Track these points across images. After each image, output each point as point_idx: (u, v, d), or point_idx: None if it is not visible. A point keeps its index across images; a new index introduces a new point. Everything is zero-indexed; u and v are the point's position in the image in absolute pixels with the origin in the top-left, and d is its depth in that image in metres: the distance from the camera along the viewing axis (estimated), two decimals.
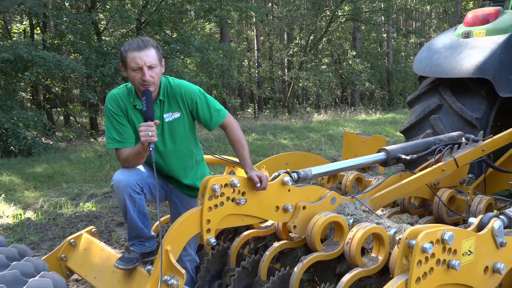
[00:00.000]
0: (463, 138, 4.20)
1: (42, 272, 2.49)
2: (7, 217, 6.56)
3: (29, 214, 6.70)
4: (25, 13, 16.39)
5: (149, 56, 2.90)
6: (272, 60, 29.53)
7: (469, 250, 1.99)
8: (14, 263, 2.54)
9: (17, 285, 2.32)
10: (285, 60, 29.09)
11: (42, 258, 3.20)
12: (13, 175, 9.51)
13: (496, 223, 2.09)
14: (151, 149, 2.81)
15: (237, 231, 3.69)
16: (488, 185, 4.45)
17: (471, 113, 4.72)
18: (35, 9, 13.91)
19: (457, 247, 1.94)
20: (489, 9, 5.08)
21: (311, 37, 27.60)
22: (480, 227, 2.09)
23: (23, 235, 5.81)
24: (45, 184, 8.71)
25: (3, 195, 7.62)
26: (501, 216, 2.18)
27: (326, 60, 29.73)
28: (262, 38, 29.21)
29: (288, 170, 3.16)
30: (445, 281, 1.94)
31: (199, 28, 22.53)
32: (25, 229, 6.04)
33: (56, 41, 16.40)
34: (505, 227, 2.17)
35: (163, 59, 3.10)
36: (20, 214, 6.64)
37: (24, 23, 19.06)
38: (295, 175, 3.18)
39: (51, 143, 13.70)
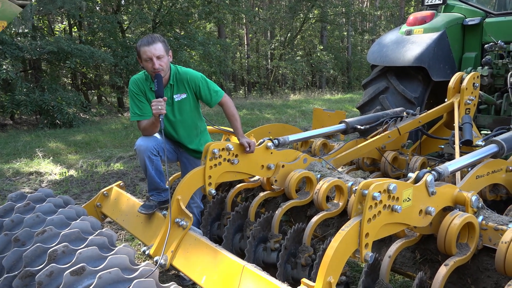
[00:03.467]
0: (404, 113, 4.19)
1: (82, 216, 2.48)
2: (55, 174, 6.49)
3: (72, 172, 6.64)
4: (64, 15, 15.89)
5: (157, 49, 2.82)
6: (258, 53, 29.06)
7: (408, 198, 2.00)
8: (60, 209, 2.52)
9: (63, 227, 2.31)
10: (268, 52, 28.61)
11: (82, 206, 3.19)
12: (58, 142, 9.39)
13: (428, 177, 2.10)
14: (160, 119, 2.77)
15: (231, 184, 3.68)
16: (422, 148, 4.47)
17: (410, 93, 4.71)
18: (72, 12, 13.43)
19: (399, 195, 1.95)
20: (426, 12, 5.01)
21: (289, 35, 27.23)
22: (417, 180, 2.10)
23: (67, 188, 5.78)
24: (83, 149, 8.61)
25: (51, 158, 7.54)
26: (433, 172, 2.18)
27: (300, 53, 29.30)
28: (250, 35, 28.75)
29: (271, 137, 3.14)
30: (390, 221, 1.96)
31: (201, 27, 22.10)
32: (68, 183, 6.00)
33: (89, 37, 15.95)
34: (435, 180, 2.18)
35: (171, 50, 3.02)
36: (65, 172, 6.59)
37: (64, 23, 18.49)
38: (276, 141, 3.16)
39: (87, 117, 13.50)
